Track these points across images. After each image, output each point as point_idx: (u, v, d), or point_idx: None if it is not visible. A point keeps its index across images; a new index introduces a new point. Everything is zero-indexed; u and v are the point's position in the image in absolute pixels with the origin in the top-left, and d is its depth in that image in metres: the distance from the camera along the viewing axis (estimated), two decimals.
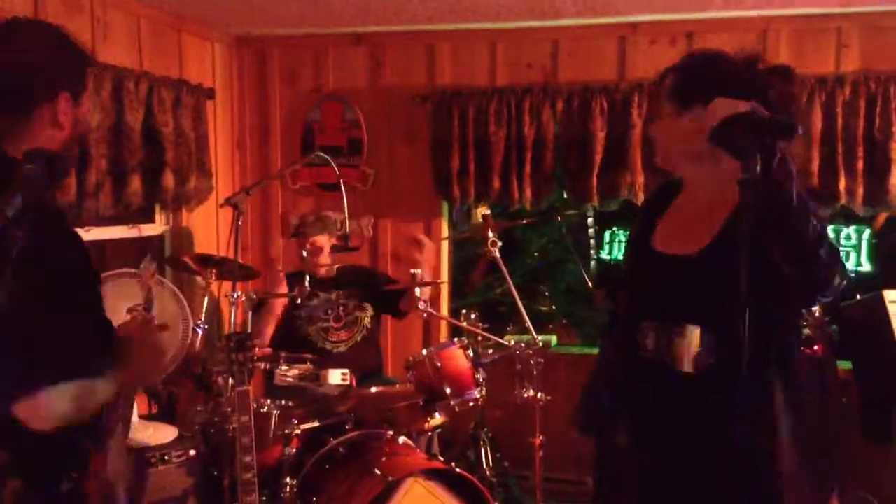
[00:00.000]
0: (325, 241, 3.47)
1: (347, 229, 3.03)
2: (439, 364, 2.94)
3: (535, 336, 3.20)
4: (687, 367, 1.58)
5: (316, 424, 2.86)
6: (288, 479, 2.71)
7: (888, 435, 2.57)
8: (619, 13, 3.59)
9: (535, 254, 5.55)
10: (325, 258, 3.49)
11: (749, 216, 1.43)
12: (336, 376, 2.98)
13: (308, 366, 2.94)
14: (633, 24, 3.69)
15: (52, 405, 1.28)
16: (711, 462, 1.54)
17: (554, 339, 4.19)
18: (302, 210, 4.08)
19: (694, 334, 1.57)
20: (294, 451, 2.80)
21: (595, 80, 3.69)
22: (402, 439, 2.87)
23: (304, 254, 3.31)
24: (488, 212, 3.96)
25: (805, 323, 3.30)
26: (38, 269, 1.23)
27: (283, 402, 2.87)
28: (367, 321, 3.51)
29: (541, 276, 5.45)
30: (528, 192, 3.86)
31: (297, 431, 2.82)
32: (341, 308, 3.48)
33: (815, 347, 3.19)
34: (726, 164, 1.57)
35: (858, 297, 3.27)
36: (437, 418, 3.01)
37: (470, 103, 3.85)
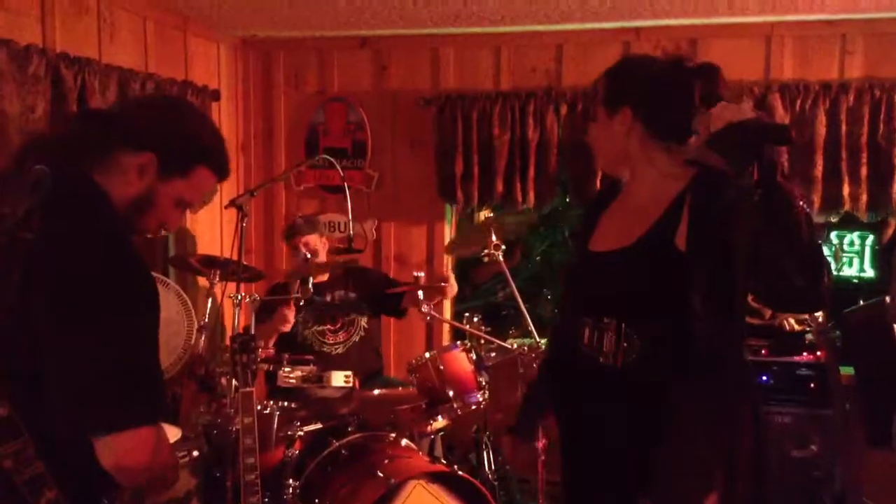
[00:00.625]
0: (316, 240, 3.47)
1: (351, 232, 3.02)
2: (442, 367, 2.94)
3: (538, 339, 3.20)
4: (612, 360, 1.63)
5: (318, 426, 2.87)
6: (290, 481, 2.72)
7: (890, 440, 2.56)
8: (623, 18, 3.59)
9: (538, 258, 5.55)
10: (320, 259, 3.49)
11: (742, 222, 1.46)
12: (339, 378, 2.98)
13: (311, 367, 2.94)
14: (637, 29, 3.70)
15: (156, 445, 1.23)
16: (635, 457, 1.59)
17: None
18: (305, 212, 4.09)
19: (618, 329, 1.62)
20: (297, 452, 2.81)
21: None
22: (404, 442, 2.88)
23: (308, 255, 3.30)
24: (491, 215, 3.98)
25: (808, 329, 3.30)
26: (57, 277, 1.20)
27: (286, 404, 2.88)
28: (364, 322, 3.51)
29: (543, 279, 5.45)
30: (531, 196, 3.87)
31: (300, 433, 2.82)
32: (337, 310, 3.48)
33: (819, 353, 3.20)
34: (660, 164, 1.66)
35: (861, 302, 3.28)
36: (440, 421, 3.01)
37: (474, 107, 3.86)
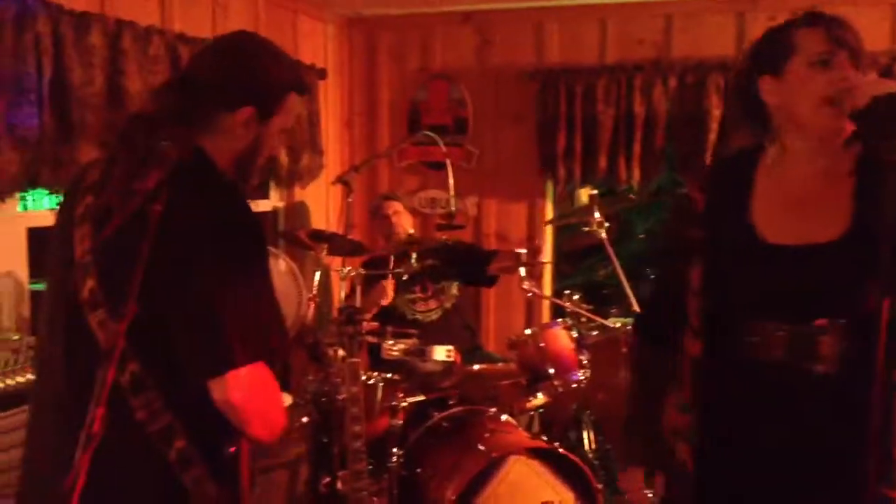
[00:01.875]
0: (399, 206, 3.54)
1: (453, 207, 3.04)
2: (543, 344, 2.94)
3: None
4: (829, 367, 1.47)
5: (421, 398, 2.92)
6: (395, 450, 2.78)
7: None
8: None
9: (641, 235, 5.43)
10: (406, 226, 3.54)
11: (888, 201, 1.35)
12: (441, 353, 3.02)
13: (413, 341, 2.99)
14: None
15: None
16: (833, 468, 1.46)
17: None
18: (408, 188, 4.14)
19: (837, 330, 1.46)
20: (400, 423, 2.87)
21: (711, 56, 3.56)
22: (504, 417, 2.89)
23: (397, 228, 3.38)
24: (594, 192, 3.92)
25: None
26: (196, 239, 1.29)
27: (389, 376, 2.94)
28: (454, 290, 3.54)
29: (646, 258, 5.34)
30: (636, 173, 3.79)
31: (404, 404, 2.88)
32: (427, 277, 3.52)
33: None
34: (825, 136, 1.49)
35: None
36: (540, 398, 3.01)
37: (578, 81, 3.80)
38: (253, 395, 1.28)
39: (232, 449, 1.37)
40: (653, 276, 5.12)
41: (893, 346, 1.40)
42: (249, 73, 1.44)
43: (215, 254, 1.28)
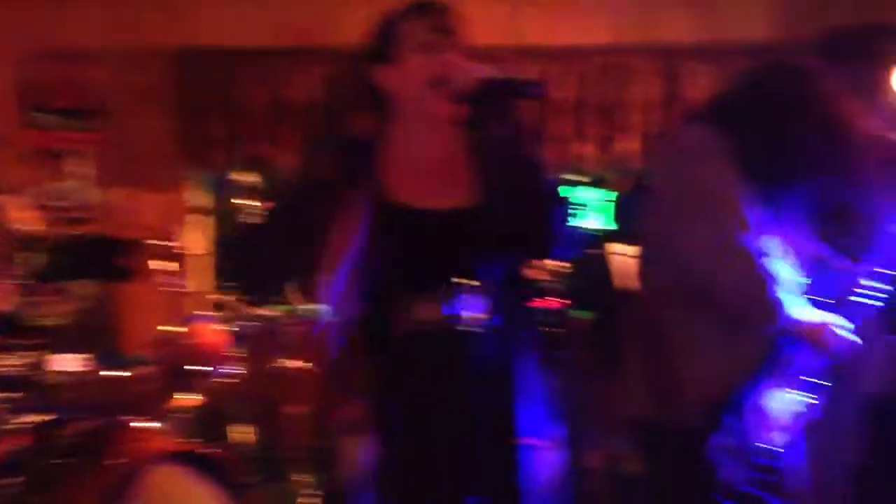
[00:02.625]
0: (10, 200, 3.17)
1: (86, 199, 2.76)
2: (189, 340, 2.80)
3: (299, 306, 3.13)
4: (474, 325, 1.56)
5: (48, 416, 2.60)
6: (15, 476, 2.45)
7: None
8: None
9: None
10: (23, 222, 3.16)
11: (499, 174, 1.49)
12: (70, 361, 2.72)
13: (35, 352, 2.66)
14: None
15: None
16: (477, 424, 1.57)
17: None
18: (31, 179, 3.65)
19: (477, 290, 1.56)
20: (21, 445, 2.53)
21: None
22: (148, 424, 2.68)
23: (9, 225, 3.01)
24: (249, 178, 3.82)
25: (548, 278, 3.52)
26: None
27: (7, 394, 2.58)
28: (88, 289, 3.24)
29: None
30: (290, 159, 3.75)
31: (24, 424, 2.54)
32: (54, 277, 3.18)
33: (553, 299, 3.42)
34: (416, 122, 1.62)
35: (588, 250, 3.55)
36: (191, 397, 2.85)
37: (227, 64, 3.66)
38: None
39: None
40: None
41: (519, 306, 1.55)
42: None
43: None
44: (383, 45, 1.63)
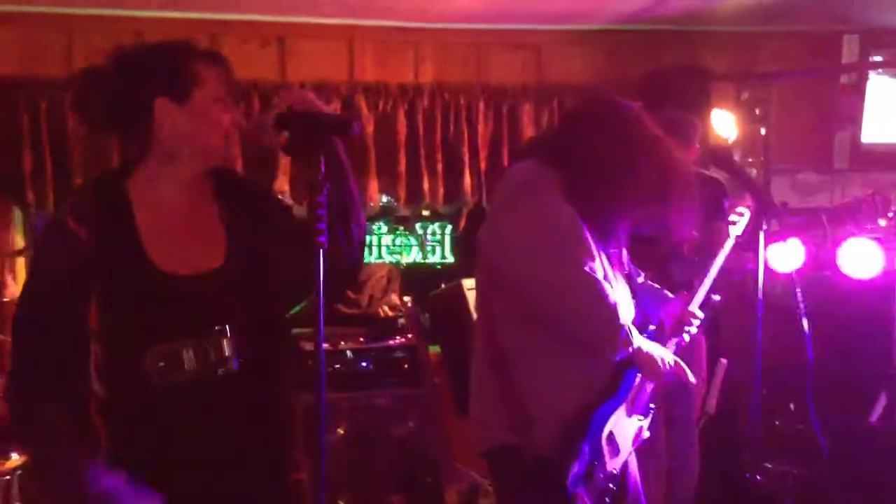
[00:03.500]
0: None
1: None
2: None
3: None
4: (229, 366, 1.52)
5: None
6: None
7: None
8: (208, 9, 3.46)
9: None
10: None
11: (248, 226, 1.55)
12: None
13: None
14: (224, 21, 3.58)
15: None
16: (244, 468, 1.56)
17: None
18: None
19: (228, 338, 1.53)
20: None
21: None
22: None
23: None
24: None
25: (400, 314, 3.54)
26: None
27: None
28: None
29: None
30: None
31: None
32: None
33: (409, 335, 3.44)
34: (185, 165, 1.57)
35: (443, 286, 3.61)
36: None
37: (43, 95, 3.39)
38: None
39: None
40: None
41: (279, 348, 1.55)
42: None
43: None
44: (176, 81, 1.53)
